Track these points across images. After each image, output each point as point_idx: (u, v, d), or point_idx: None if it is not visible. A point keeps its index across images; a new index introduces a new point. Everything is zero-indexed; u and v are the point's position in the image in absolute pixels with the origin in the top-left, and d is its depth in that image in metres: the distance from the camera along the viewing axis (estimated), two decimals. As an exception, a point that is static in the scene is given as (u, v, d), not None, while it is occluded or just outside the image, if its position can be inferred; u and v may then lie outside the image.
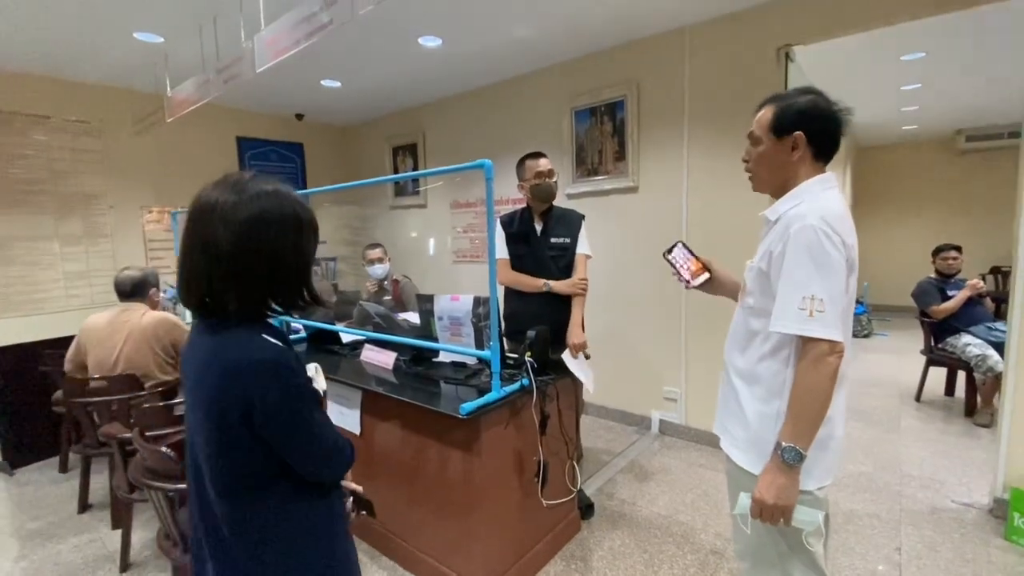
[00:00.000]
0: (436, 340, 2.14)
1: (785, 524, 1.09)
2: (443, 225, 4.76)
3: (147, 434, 1.68)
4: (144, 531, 2.46)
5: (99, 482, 2.88)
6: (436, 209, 4.83)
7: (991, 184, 6.68)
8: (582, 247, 2.44)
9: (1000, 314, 4.10)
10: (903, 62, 3.77)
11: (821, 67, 3.56)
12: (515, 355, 2.03)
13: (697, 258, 1.44)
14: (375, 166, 5.28)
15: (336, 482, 1.05)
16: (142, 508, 2.51)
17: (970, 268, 4.14)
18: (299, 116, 5.12)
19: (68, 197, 3.81)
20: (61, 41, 3.10)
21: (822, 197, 1.13)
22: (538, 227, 2.44)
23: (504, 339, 2.38)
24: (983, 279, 3.95)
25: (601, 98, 3.52)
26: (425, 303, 2.17)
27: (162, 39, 3.11)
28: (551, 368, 2.07)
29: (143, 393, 2.34)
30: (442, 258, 4.83)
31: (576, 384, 2.39)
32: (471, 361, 2.17)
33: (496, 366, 1.78)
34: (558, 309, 2.38)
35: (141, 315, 2.48)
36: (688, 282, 1.43)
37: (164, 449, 1.48)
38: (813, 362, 1.05)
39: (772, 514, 1.09)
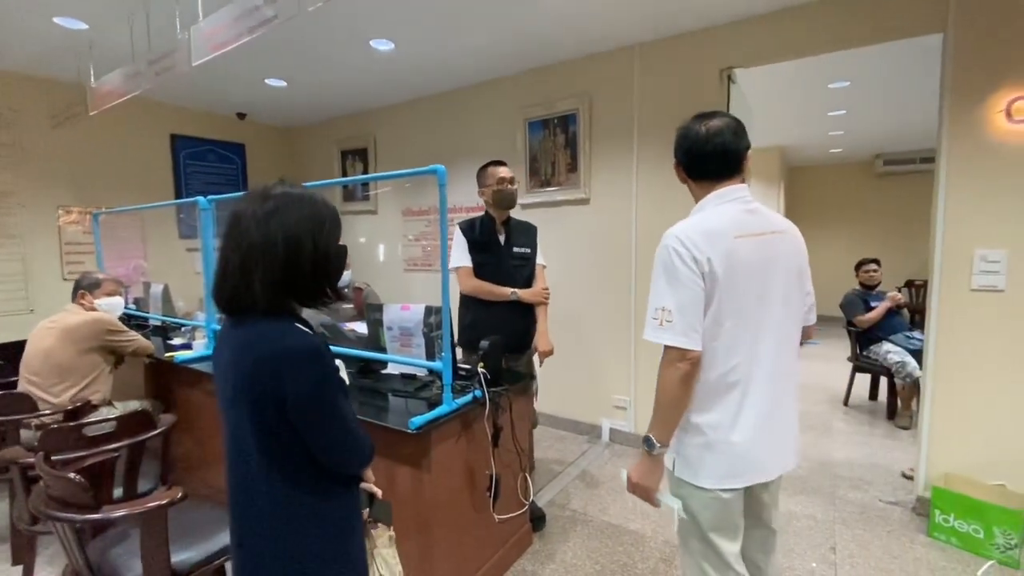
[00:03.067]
0: (385, 351, 2.05)
1: (650, 503, 1.26)
2: (394, 232, 4.65)
3: (53, 458, 1.50)
4: (49, 567, 2.21)
5: (-3, 512, 2.57)
6: (387, 216, 4.71)
7: (905, 205, 7.29)
8: (539, 258, 2.50)
9: (915, 323, 4.46)
10: (830, 89, 4.05)
11: (760, 90, 3.78)
12: (468, 366, 1.98)
13: None
14: (323, 169, 5.10)
15: (357, 476, 1.09)
16: (47, 541, 2.25)
17: (887, 281, 4.48)
18: (241, 115, 4.87)
19: (-31, 193, 3.43)
20: (-35, 21, 2.80)
21: (705, 214, 1.22)
22: (501, 237, 2.43)
23: (463, 349, 2.35)
24: (899, 291, 4.28)
25: (554, 110, 3.56)
26: (373, 312, 2.09)
27: (86, 26, 2.87)
28: (505, 378, 2.04)
29: (47, 413, 2.13)
30: (393, 266, 4.71)
31: (530, 395, 2.39)
32: (422, 373, 2.10)
33: (448, 378, 1.73)
34: (522, 317, 2.42)
35: (72, 315, 2.43)
36: None
37: (72, 475, 1.32)
38: (665, 366, 1.17)
39: (635, 489, 1.26)
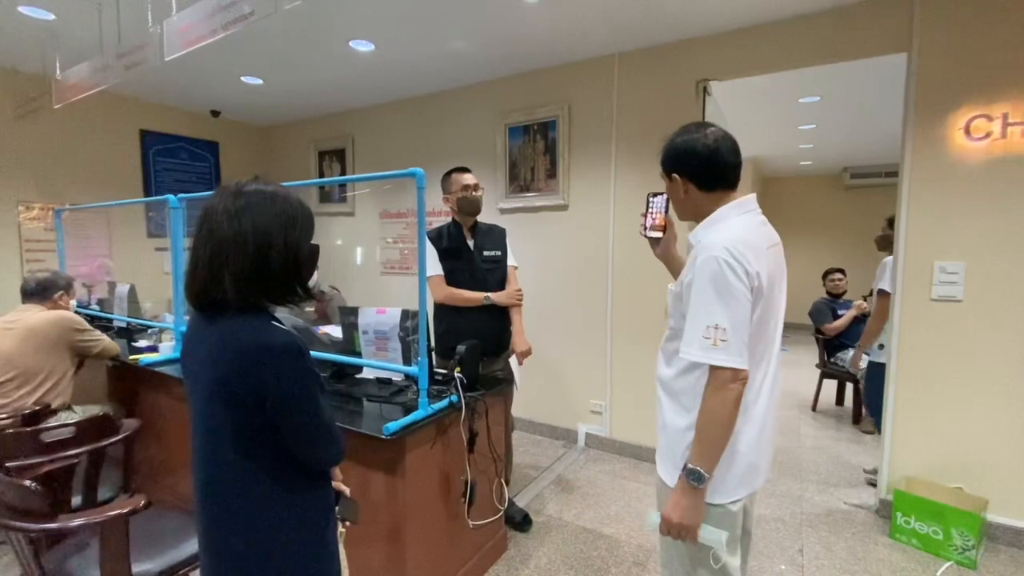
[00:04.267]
0: (360, 355, 2.03)
1: (691, 542, 1.14)
2: (372, 235, 4.60)
3: (8, 465, 1.43)
4: (1, 579, 2.11)
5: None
6: (364, 218, 4.66)
7: (871, 217, 7.54)
8: (510, 259, 2.50)
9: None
10: (801, 103, 4.18)
11: (734, 103, 3.87)
12: (444, 371, 1.97)
13: (667, 217, 1.44)
14: (299, 170, 5.02)
15: (327, 473, 1.09)
16: (0, 551, 2.15)
17: (853, 290, 4.64)
18: (215, 112, 4.76)
19: (-79, 186, 3.27)
20: (-80, 6, 2.68)
21: (734, 223, 1.17)
22: (470, 242, 2.42)
23: (439, 357, 2.33)
24: (865, 300, 4.43)
25: (534, 116, 3.58)
26: (348, 316, 2.06)
27: (53, 16, 2.77)
28: (481, 383, 2.04)
29: (3, 418, 2.03)
30: (370, 269, 4.66)
31: (507, 400, 2.39)
32: (397, 377, 2.08)
33: (424, 383, 1.72)
34: (496, 321, 2.41)
35: (34, 314, 2.30)
36: (644, 228, 1.45)
37: (27, 483, 1.26)
38: (716, 389, 1.09)
39: (677, 532, 1.13)
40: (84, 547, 1.47)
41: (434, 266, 2.35)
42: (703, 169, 1.20)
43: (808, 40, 2.69)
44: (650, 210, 1.47)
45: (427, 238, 2.38)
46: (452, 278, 2.37)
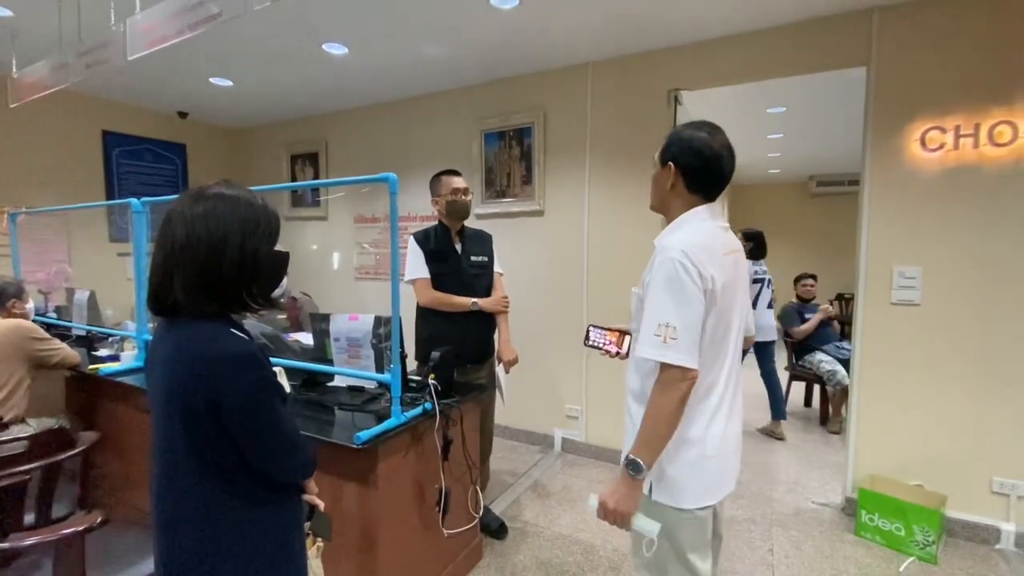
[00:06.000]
0: (331, 363, 1.99)
1: (625, 529, 1.16)
2: (346, 240, 4.54)
3: (-47, 483, 1.36)
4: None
5: None
6: (338, 223, 4.60)
7: (835, 223, 7.82)
8: (497, 266, 2.50)
9: (845, 334, 4.77)
10: (769, 114, 4.31)
11: (705, 111, 3.93)
12: (418, 378, 1.95)
13: (611, 330, 1.48)
14: (270, 173, 4.92)
15: (297, 485, 1.06)
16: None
17: (821, 295, 4.78)
18: (182, 114, 4.63)
19: None
20: None
21: (695, 227, 1.21)
22: (457, 246, 2.40)
23: (421, 363, 2.30)
24: (831, 304, 4.57)
25: (510, 123, 3.60)
26: (320, 323, 2.02)
27: (10, 12, 2.66)
28: (458, 390, 2.02)
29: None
30: (344, 274, 4.59)
31: (489, 408, 2.38)
32: (370, 385, 2.05)
33: (396, 390, 1.70)
34: (482, 327, 2.39)
35: None
36: (619, 353, 1.46)
37: (-26, 501, 1.20)
38: (663, 386, 1.11)
39: (612, 517, 1.15)
40: (37, 567, 1.40)
41: (421, 269, 2.32)
42: (701, 170, 1.22)
43: (773, 53, 2.77)
44: (601, 346, 1.49)
45: (414, 240, 2.36)
46: (438, 282, 2.33)
